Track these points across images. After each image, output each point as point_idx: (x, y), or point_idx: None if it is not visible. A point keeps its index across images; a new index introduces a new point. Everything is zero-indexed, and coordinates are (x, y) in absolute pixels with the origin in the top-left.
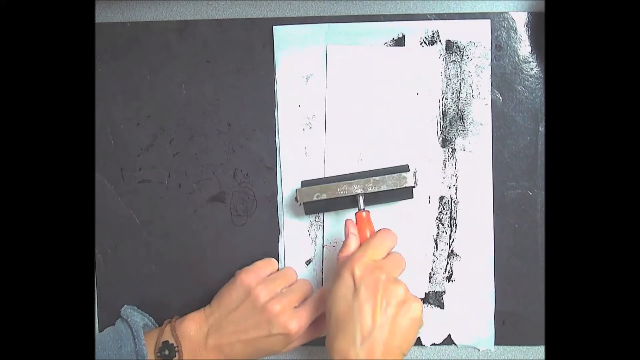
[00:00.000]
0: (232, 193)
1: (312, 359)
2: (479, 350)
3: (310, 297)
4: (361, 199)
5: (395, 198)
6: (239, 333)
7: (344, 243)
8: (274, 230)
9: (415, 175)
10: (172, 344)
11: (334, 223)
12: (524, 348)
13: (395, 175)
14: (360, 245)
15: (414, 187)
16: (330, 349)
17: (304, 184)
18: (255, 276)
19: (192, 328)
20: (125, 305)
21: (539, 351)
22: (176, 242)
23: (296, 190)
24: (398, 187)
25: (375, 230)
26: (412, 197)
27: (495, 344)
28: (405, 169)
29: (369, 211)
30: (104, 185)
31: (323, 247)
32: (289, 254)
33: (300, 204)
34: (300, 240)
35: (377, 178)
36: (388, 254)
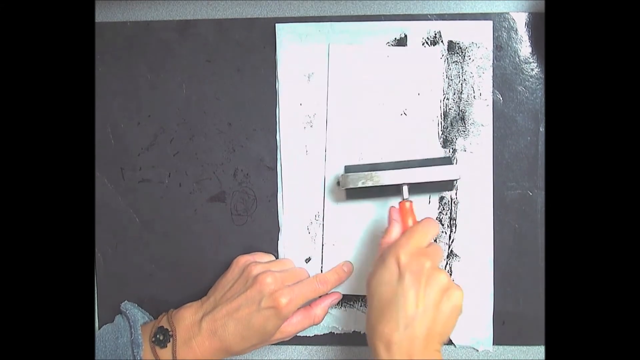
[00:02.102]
0: (232, 193)
1: (312, 359)
2: (478, 350)
3: (305, 279)
4: (406, 189)
5: (436, 189)
6: (231, 311)
7: (387, 230)
8: (274, 230)
9: (459, 172)
10: (167, 329)
11: (334, 223)
12: (524, 348)
13: (441, 167)
14: (405, 232)
15: (458, 179)
16: (373, 333)
17: (348, 169)
18: (252, 258)
19: (187, 314)
20: (126, 301)
21: (539, 351)
22: (176, 241)
23: (340, 175)
24: (443, 180)
25: (418, 219)
26: (452, 190)
27: (494, 344)
28: (449, 161)
29: (412, 201)
30: (104, 185)
31: (323, 245)
32: (289, 252)
33: (342, 189)
34: (300, 238)
35: (423, 170)
36: (430, 243)
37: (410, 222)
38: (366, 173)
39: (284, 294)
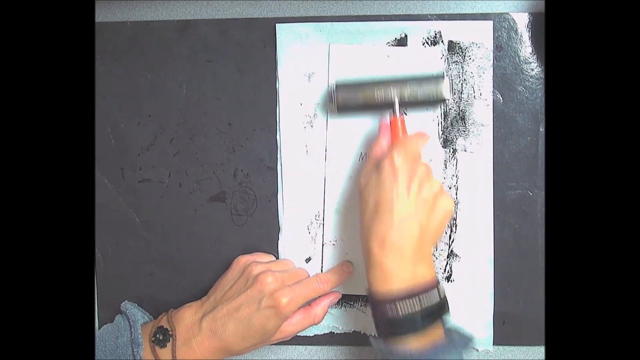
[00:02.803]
0: (232, 193)
1: (312, 359)
2: (478, 350)
3: (305, 279)
4: (397, 105)
5: (428, 105)
6: (231, 310)
7: (377, 140)
8: (274, 230)
9: (451, 87)
10: (167, 328)
11: (334, 222)
12: (524, 348)
13: (431, 85)
14: (397, 139)
15: (448, 99)
16: (367, 234)
17: (339, 84)
18: (253, 258)
19: (187, 314)
20: (126, 301)
21: (539, 351)
22: (176, 241)
23: (332, 90)
24: (433, 99)
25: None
26: (444, 105)
27: (494, 344)
28: (440, 78)
29: (403, 117)
30: (104, 185)
31: (323, 245)
32: (289, 252)
33: (335, 105)
34: (300, 238)
35: (414, 87)
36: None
37: (400, 134)
38: (358, 89)
39: (284, 293)
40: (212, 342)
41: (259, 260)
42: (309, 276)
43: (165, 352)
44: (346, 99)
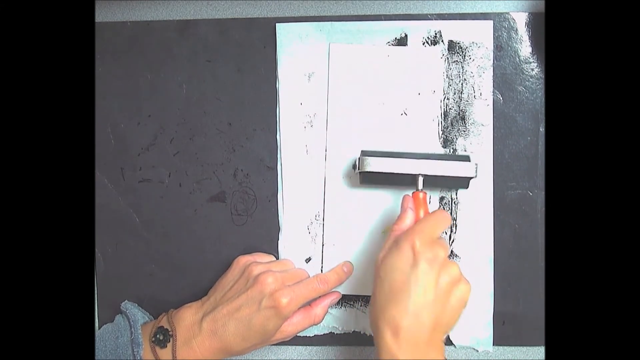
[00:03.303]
0: (232, 193)
1: (312, 359)
2: (478, 350)
3: (305, 279)
4: (421, 179)
5: (451, 185)
6: (231, 311)
7: (400, 217)
8: (274, 230)
9: (476, 168)
10: (167, 329)
11: (335, 222)
12: (524, 348)
13: (458, 162)
14: (419, 220)
15: (473, 177)
16: (380, 316)
17: (365, 153)
18: (253, 258)
19: (187, 314)
20: (126, 301)
21: (539, 351)
22: (176, 241)
23: (358, 158)
24: (458, 176)
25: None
26: (467, 188)
27: (494, 344)
28: (467, 158)
29: (426, 192)
30: (104, 185)
31: (323, 245)
32: (289, 252)
33: (357, 172)
34: (300, 238)
35: (440, 162)
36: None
37: (422, 213)
38: (384, 159)
39: (284, 293)
40: (212, 342)
41: (259, 261)
42: (309, 276)
43: (165, 353)
44: (370, 170)
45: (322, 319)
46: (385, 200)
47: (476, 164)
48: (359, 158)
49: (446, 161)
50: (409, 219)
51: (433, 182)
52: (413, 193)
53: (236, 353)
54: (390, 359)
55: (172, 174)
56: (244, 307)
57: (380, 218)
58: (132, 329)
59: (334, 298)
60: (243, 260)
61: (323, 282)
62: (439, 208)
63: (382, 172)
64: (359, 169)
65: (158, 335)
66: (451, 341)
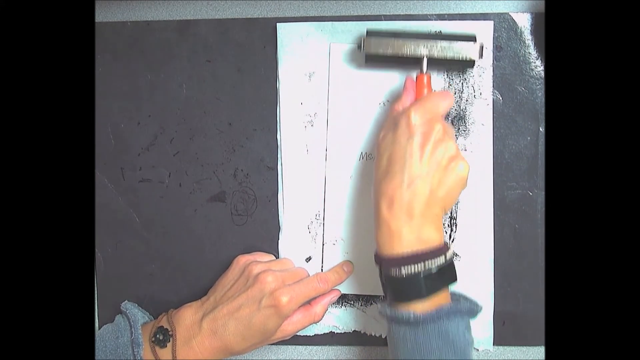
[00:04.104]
0: (232, 193)
1: (312, 359)
2: (478, 350)
3: (305, 278)
4: (425, 61)
5: (457, 67)
6: (231, 310)
7: (401, 97)
8: (275, 230)
9: (481, 49)
10: (167, 329)
11: (335, 221)
12: (524, 348)
13: (462, 44)
14: (419, 97)
15: (478, 59)
16: (377, 191)
17: (370, 33)
18: (252, 257)
19: (187, 314)
20: (126, 301)
21: (539, 351)
22: (176, 241)
23: (363, 38)
24: (462, 58)
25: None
26: (472, 68)
27: (495, 344)
28: (472, 38)
29: (430, 74)
30: (104, 185)
31: (323, 244)
32: (289, 251)
33: (363, 53)
34: (300, 237)
35: (444, 43)
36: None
37: (425, 94)
38: (389, 39)
39: (284, 292)
40: (212, 342)
41: (259, 260)
42: (309, 275)
43: (165, 352)
44: (376, 48)
45: (322, 317)
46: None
47: (481, 45)
48: (363, 39)
49: (451, 42)
50: (408, 96)
51: (438, 63)
52: (417, 75)
53: (236, 352)
54: (385, 228)
55: (172, 174)
56: (244, 306)
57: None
58: (132, 329)
59: (334, 296)
60: (243, 259)
61: (323, 281)
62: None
63: (386, 54)
64: (363, 49)
65: (158, 335)
66: None
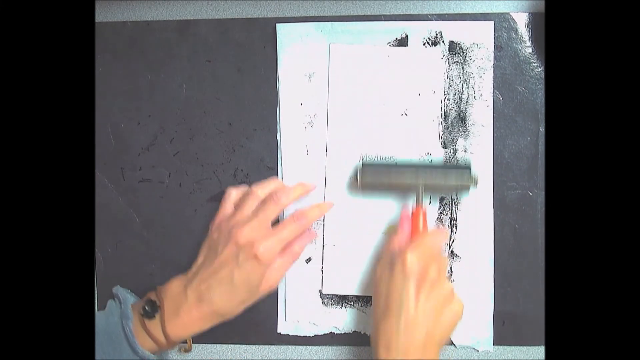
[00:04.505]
0: None
1: (312, 359)
2: (478, 350)
3: (281, 222)
4: (421, 192)
5: (452, 192)
6: (212, 273)
7: (397, 231)
8: None
9: (476, 179)
10: (154, 301)
11: (335, 223)
12: (524, 348)
13: (458, 171)
14: (415, 236)
15: (473, 188)
16: (376, 331)
17: (366, 164)
18: (222, 214)
19: (173, 285)
20: (118, 286)
21: (539, 351)
22: (176, 241)
23: (358, 170)
24: (458, 187)
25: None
26: (468, 195)
27: (495, 344)
28: (467, 167)
29: (425, 210)
30: (104, 185)
31: (323, 245)
32: None
33: (359, 184)
34: None
35: (440, 172)
36: (438, 252)
37: (421, 228)
38: (384, 170)
39: (259, 241)
40: (200, 308)
41: (227, 211)
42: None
43: (154, 324)
44: (371, 181)
45: (300, 254)
46: (385, 200)
47: (477, 175)
48: (359, 170)
49: (446, 170)
50: (404, 233)
51: (433, 189)
52: (415, 208)
53: (226, 314)
54: None
55: (172, 174)
56: (223, 265)
57: (381, 218)
58: (122, 305)
59: (312, 235)
60: (216, 221)
61: (300, 218)
62: (436, 224)
63: (381, 186)
64: (359, 181)
65: (146, 307)
66: (451, 341)
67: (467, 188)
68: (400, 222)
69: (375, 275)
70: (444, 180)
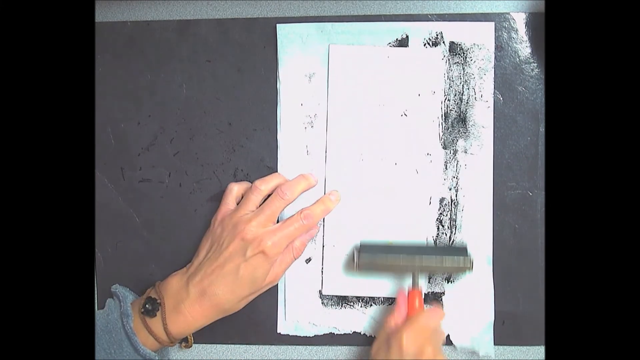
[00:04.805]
0: None
1: (312, 359)
2: (478, 350)
3: (288, 218)
4: (418, 275)
5: (447, 274)
6: (216, 268)
7: (394, 311)
8: None
9: (472, 262)
10: (155, 298)
11: (335, 223)
12: (524, 348)
13: (454, 258)
14: (411, 317)
15: (470, 271)
16: None
17: (363, 247)
18: (225, 209)
19: (174, 281)
20: (117, 284)
21: (539, 351)
22: (176, 241)
23: (357, 254)
24: (454, 270)
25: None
26: (465, 276)
27: (495, 344)
28: (464, 252)
29: (421, 290)
30: (104, 185)
31: (323, 246)
32: None
33: (356, 265)
34: None
35: (436, 257)
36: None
37: (417, 307)
38: (381, 255)
39: (267, 237)
40: (202, 303)
41: (230, 205)
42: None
43: (155, 322)
44: (368, 262)
45: (302, 252)
46: (385, 202)
47: (473, 259)
48: (357, 251)
49: (443, 254)
50: (400, 313)
51: (429, 271)
52: (409, 291)
53: (228, 309)
54: None
55: (172, 174)
56: (229, 261)
57: (381, 218)
58: (122, 303)
59: (313, 232)
60: (218, 216)
61: (307, 217)
62: (433, 303)
63: (378, 268)
64: (357, 263)
65: (147, 305)
66: (451, 341)
67: (464, 271)
68: (396, 302)
69: (371, 353)
70: (441, 263)
